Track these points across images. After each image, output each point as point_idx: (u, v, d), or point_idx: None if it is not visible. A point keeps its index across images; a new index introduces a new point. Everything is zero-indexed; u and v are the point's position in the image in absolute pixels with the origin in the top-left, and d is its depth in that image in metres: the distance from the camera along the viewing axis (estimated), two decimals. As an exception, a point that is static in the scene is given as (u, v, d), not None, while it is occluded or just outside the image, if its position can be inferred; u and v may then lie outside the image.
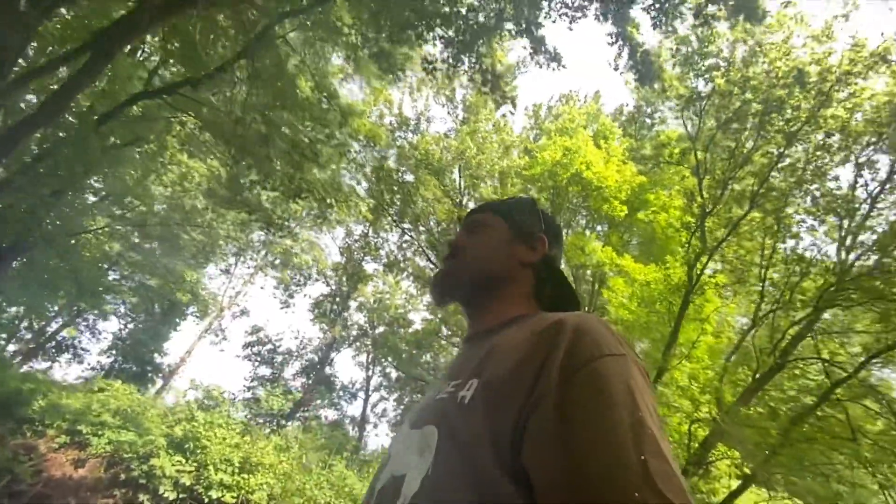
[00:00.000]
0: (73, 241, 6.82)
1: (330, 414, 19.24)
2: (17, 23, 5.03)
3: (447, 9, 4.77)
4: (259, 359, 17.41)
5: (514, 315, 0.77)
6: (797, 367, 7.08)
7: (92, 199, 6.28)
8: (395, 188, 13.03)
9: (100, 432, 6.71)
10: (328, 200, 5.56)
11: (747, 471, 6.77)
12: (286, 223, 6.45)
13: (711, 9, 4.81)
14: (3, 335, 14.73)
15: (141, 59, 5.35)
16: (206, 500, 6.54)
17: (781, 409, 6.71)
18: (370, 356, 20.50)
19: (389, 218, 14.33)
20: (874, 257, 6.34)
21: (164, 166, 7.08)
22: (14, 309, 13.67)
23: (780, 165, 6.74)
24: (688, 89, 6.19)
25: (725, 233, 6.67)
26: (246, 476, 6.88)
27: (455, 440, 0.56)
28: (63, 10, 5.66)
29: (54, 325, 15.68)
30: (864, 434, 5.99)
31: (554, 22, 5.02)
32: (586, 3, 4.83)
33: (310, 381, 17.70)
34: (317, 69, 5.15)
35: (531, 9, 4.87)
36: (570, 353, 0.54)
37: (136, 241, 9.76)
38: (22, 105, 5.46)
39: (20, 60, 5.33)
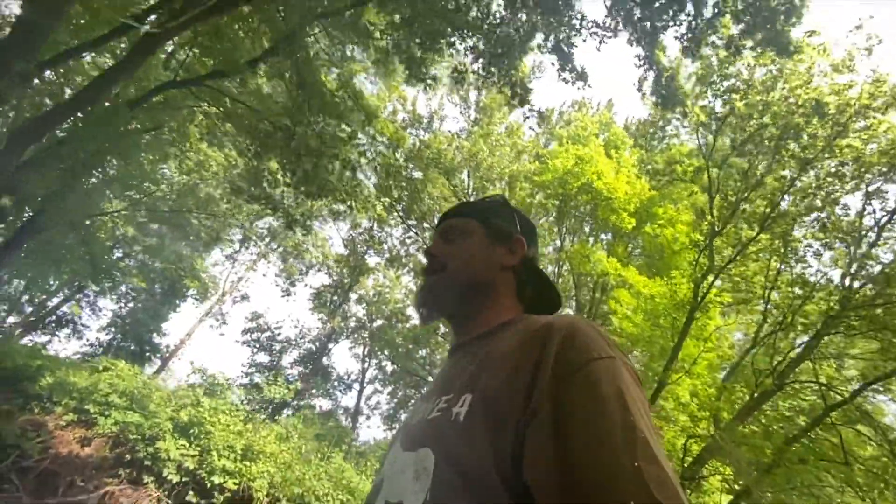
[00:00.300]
0: (87, 223, 6.89)
1: (324, 404, 19.41)
2: (47, 4, 5.06)
3: (477, 17, 4.81)
4: (258, 345, 17.51)
5: (501, 321, 0.76)
6: (794, 388, 7.22)
7: (109, 182, 6.33)
8: (404, 185, 13.08)
9: (106, 412, 6.79)
10: (349, 203, 5.62)
11: (738, 487, 6.92)
12: (307, 221, 6.53)
13: (736, 30, 4.87)
14: (5, 307, 14.82)
15: (169, 49, 5.41)
16: (209, 485, 6.64)
17: (776, 428, 6.85)
18: (367, 349, 20.62)
19: (396, 214, 14.39)
20: (878, 287, 6.44)
21: (184, 153, 7.13)
22: (16, 282, 13.75)
23: (790, 189, 6.83)
24: (708, 115, 6.25)
25: (734, 253, 6.77)
26: (248, 464, 6.99)
27: (453, 462, 0.54)
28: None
29: (55, 301, 15.78)
30: (855, 458, 6.13)
31: (584, 41, 5.10)
32: (620, 28, 4.89)
33: (307, 371, 17.83)
34: (343, 69, 5.19)
35: (563, 28, 4.92)
36: (560, 360, 0.54)
37: (151, 225, 9.82)
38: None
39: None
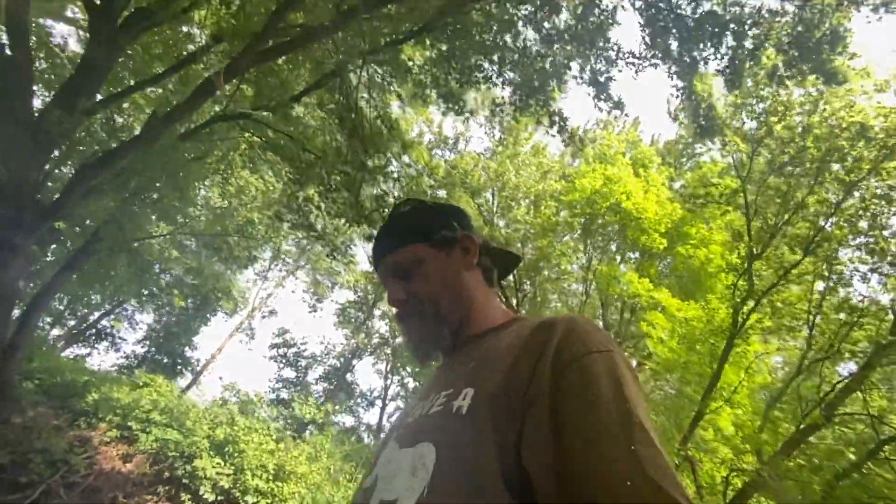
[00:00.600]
0: (135, 245, 7.29)
1: (347, 420, 19.48)
2: (108, 42, 5.45)
3: (514, 50, 4.96)
4: (284, 360, 17.79)
5: (495, 323, 0.76)
6: (843, 419, 6.86)
7: (157, 208, 6.72)
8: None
9: (147, 429, 7.02)
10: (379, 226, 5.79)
11: (785, 525, 6.55)
12: (348, 249, 6.74)
13: (779, 61, 4.84)
14: (49, 320, 15.60)
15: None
16: (242, 505, 6.75)
17: (825, 463, 6.49)
18: (389, 365, 20.68)
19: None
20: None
21: (226, 180, 7.50)
22: (59, 296, 14.48)
23: (835, 212, 6.61)
24: (744, 140, 6.14)
25: (776, 278, 6.56)
26: (280, 484, 7.08)
27: (456, 454, 0.54)
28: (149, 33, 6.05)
29: (95, 315, 16.52)
30: (913, 496, 5.74)
31: (620, 71, 5.17)
32: (658, 62, 4.93)
33: (331, 387, 17.98)
34: (381, 101, 5.41)
35: (600, 60, 5.00)
36: (559, 352, 0.55)
37: (192, 246, 10.30)
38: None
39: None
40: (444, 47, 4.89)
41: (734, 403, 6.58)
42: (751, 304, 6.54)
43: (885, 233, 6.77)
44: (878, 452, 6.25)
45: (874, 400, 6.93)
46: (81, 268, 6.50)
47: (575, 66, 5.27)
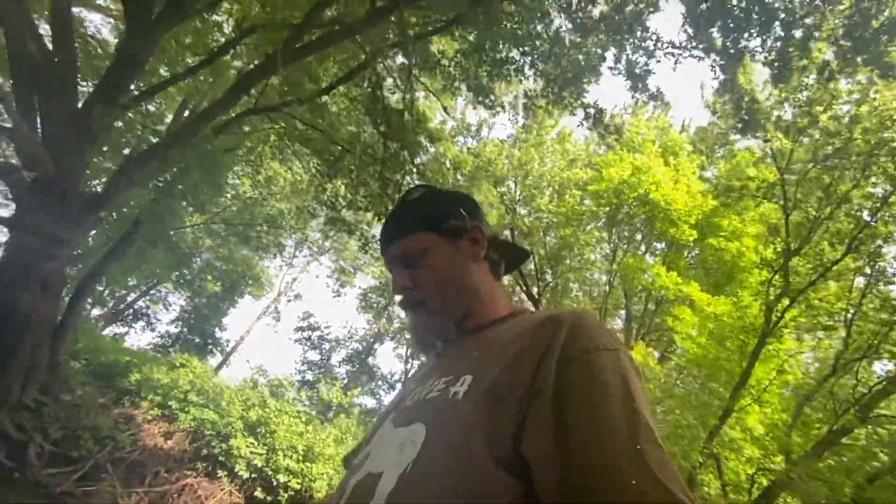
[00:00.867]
0: (171, 233, 7.58)
1: (369, 402, 20.03)
2: (145, 34, 5.56)
3: (546, 40, 4.81)
4: (309, 343, 18.32)
5: (498, 315, 0.76)
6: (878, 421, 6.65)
7: (192, 199, 6.95)
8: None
9: (186, 409, 7.41)
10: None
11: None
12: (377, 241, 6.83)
13: (830, 53, 4.52)
14: (90, 301, 16.47)
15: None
16: (275, 483, 7.10)
17: (858, 464, 6.34)
18: (409, 349, 21.04)
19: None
20: None
21: (256, 171, 7.68)
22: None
23: (882, 207, 6.27)
24: (786, 134, 5.83)
25: (815, 276, 6.32)
26: (309, 464, 7.39)
27: (444, 436, 0.54)
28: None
29: (132, 296, 17.35)
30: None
31: (658, 62, 4.95)
32: (701, 54, 4.69)
33: (354, 369, 18.45)
34: (409, 94, 5.39)
35: (638, 52, 4.81)
36: (566, 347, 0.55)
37: (224, 235, 10.66)
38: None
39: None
40: (473, 38, 4.79)
41: (763, 402, 6.46)
42: (786, 301, 6.33)
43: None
44: (915, 456, 6.06)
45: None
46: (124, 256, 6.79)
47: (610, 56, 5.11)
